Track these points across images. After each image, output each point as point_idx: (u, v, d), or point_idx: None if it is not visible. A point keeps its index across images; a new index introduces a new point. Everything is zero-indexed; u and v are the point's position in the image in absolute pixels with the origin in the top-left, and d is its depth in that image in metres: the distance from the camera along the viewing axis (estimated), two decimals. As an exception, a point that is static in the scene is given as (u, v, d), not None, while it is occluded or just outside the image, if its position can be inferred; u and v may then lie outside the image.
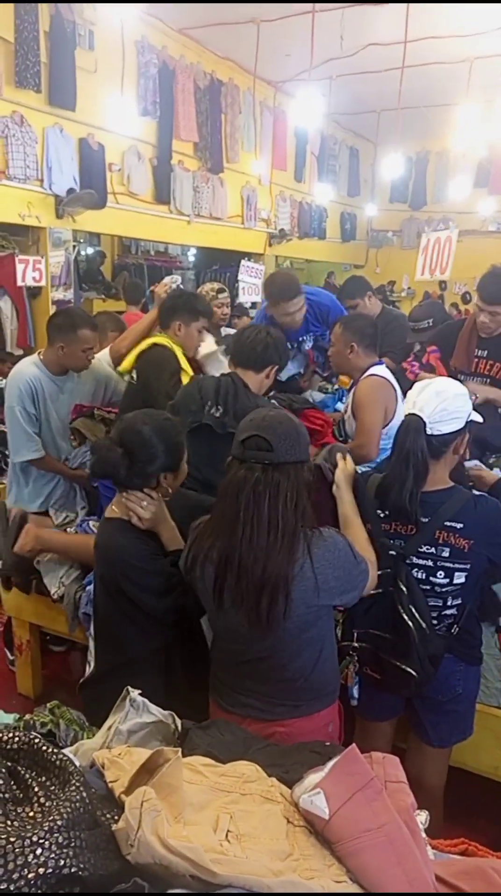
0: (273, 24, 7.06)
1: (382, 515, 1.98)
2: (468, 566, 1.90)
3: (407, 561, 1.92)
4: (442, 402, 1.87)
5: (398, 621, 1.88)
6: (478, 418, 1.99)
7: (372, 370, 2.93)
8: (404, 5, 6.59)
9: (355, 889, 0.90)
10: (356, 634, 1.99)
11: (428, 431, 1.86)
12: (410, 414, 1.89)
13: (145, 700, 1.45)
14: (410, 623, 1.86)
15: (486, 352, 3.31)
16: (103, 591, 1.99)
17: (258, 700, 1.72)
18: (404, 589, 1.89)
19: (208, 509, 1.75)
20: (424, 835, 1.08)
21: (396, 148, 8.85)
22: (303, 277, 14.01)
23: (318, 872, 0.91)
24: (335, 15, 6.50)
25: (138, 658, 1.94)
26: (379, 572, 1.91)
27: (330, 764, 1.04)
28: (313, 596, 1.63)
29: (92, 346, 3.20)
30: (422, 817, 1.14)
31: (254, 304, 8.49)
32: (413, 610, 1.87)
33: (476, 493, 2.03)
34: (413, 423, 1.87)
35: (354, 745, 1.06)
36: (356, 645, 1.99)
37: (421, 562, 1.92)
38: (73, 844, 0.79)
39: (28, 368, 3.22)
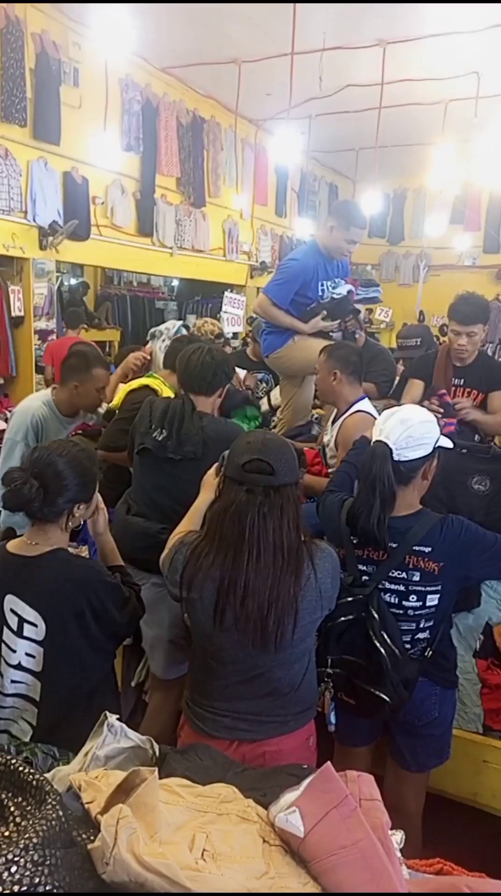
0: (254, 64, 7.28)
1: (354, 542, 2.00)
2: (439, 588, 1.92)
3: (379, 586, 1.94)
4: (408, 430, 1.90)
5: (370, 647, 1.89)
6: (448, 444, 2.03)
7: (358, 406, 2.92)
8: (380, 49, 6.85)
9: (329, 906, 0.91)
10: (330, 661, 1.99)
11: (395, 458, 1.89)
12: (376, 441, 1.93)
13: (123, 725, 1.45)
14: (382, 649, 1.87)
15: (463, 380, 3.37)
16: (57, 629, 1.81)
17: (246, 722, 1.72)
18: (375, 615, 1.90)
19: (152, 536, 1.79)
20: (399, 854, 1.09)
21: (374, 185, 9.11)
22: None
23: (292, 889, 0.92)
24: (314, 57, 6.73)
25: (99, 684, 1.91)
26: (351, 598, 1.94)
27: (305, 782, 1.05)
28: (316, 607, 1.70)
29: (105, 384, 3.21)
30: (397, 837, 1.14)
31: (236, 335, 8.61)
32: (385, 636, 1.89)
33: (443, 515, 2.06)
34: (379, 450, 1.90)
35: (329, 763, 1.07)
36: (330, 671, 2.00)
37: (393, 586, 1.94)
38: (48, 862, 0.80)
39: (37, 406, 3.16)
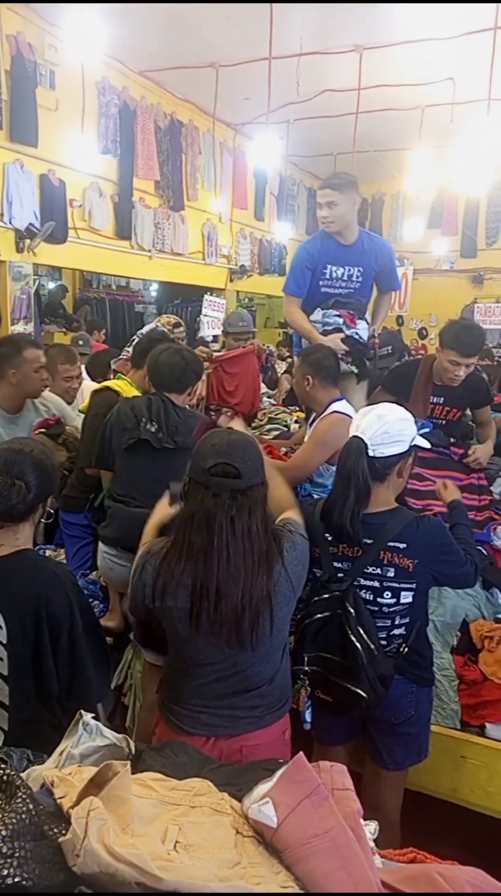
0: (232, 68, 7.32)
1: (329, 539, 2.01)
2: (414, 585, 1.94)
3: (355, 582, 1.95)
4: (384, 426, 1.92)
5: (346, 643, 1.90)
6: (424, 444, 2.05)
7: (333, 406, 2.89)
8: (356, 55, 6.91)
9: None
10: (306, 658, 2.00)
11: (371, 454, 1.91)
12: (353, 436, 1.94)
13: (98, 724, 1.44)
14: (358, 644, 1.88)
15: (442, 398, 3.31)
16: (18, 632, 1.76)
17: (223, 718, 1.73)
18: (351, 611, 1.90)
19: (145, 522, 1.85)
20: (372, 842, 1.09)
21: (351, 189, 9.15)
22: (264, 312, 14.25)
23: (265, 879, 0.92)
24: (291, 62, 6.77)
25: (71, 688, 1.85)
26: (327, 595, 1.95)
27: (278, 773, 1.05)
28: (289, 598, 1.71)
29: (42, 364, 3.16)
30: (371, 827, 1.15)
31: (216, 338, 8.61)
32: (361, 631, 1.89)
33: (422, 514, 2.08)
34: (355, 445, 1.91)
35: (301, 753, 1.07)
36: (306, 669, 2.00)
37: (368, 583, 1.95)
38: (17, 855, 0.79)
39: None
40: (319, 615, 1.96)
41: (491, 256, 12.20)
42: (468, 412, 3.43)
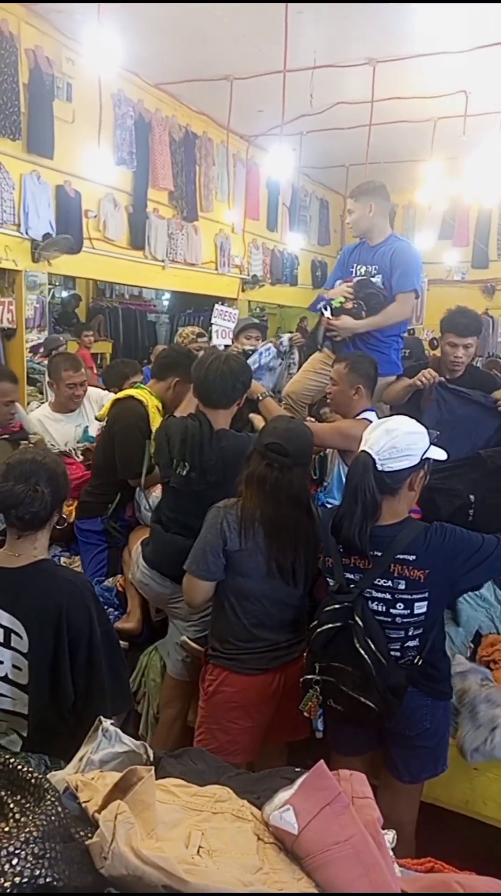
0: (246, 81, 7.39)
1: (341, 550, 2.01)
2: (426, 595, 1.92)
3: (366, 594, 1.95)
4: (392, 440, 1.92)
5: (356, 654, 1.89)
6: (440, 455, 2.05)
7: (365, 415, 2.92)
8: (369, 67, 6.97)
9: (323, 900, 0.93)
10: (318, 668, 2.00)
11: (379, 468, 1.91)
12: (361, 451, 1.95)
13: (118, 730, 1.46)
14: (366, 656, 1.87)
15: None
16: (38, 642, 1.78)
17: (278, 651, 2.24)
18: (359, 622, 1.90)
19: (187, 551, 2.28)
20: (391, 852, 1.11)
21: (364, 200, 9.19)
22: (275, 322, 14.29)
23: (287, 885, 0.93)
24: (305, 75, 6.84)
25: (89, 696, 1.86)
26: (338, 605, 1.95)
27: (299, 781, 1.06)
28: (315, 548, 2.22)
29: (12, 399, 3.27)
30: (389, 836, 1.16)
31: (227, 347, 8.65)
32: (369, 643, 1.88)
33: (431, 523, 2.07)
34: (362, 460, 1.92)
35: (322, 761, 1.09)
36: (317, 678, 2.00)
37: (380, 595, 1.95)
38: (48, 856, 0.81)
39: None
40: (330, 625, 1.96)
41: (503, 267, 12.22)
42: None
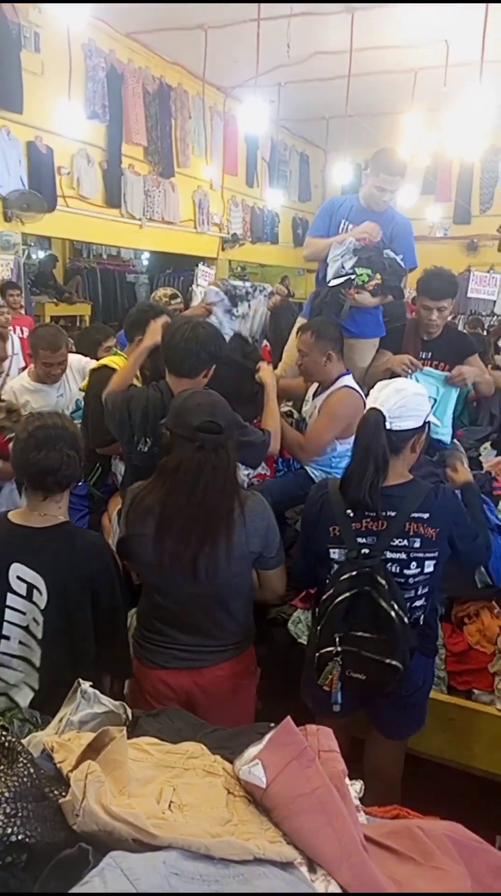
0: (220, 30, 7.17)
1: (351, 515, 1.99)
2: (436, 554, 1.95)
3: (382, 556, 1.95)
4: (402, 399, 1.94)
5: (382, 617, 1.88)
6: (437, 422, 2.07)
7: (343, 381, 2.88)
8: (347, 16, 6.77)
9: (289, 849, 0.97)
10: (337, 638, 1.96)
11: (388, 426, 1.92)
12: (372, 408, 1.95)
13: (97, 691, 1.49)
14: (394, 616, 1.87)
15: (430, 353, 3.42)
16: (58, 599, 1.85)
17: (192, 652, 1.96)
18: (384, 583, 1.89)
19: None
20: (357, 801, 1.15)
21: (345, 155, 9.05)
22: (257, 281, 14.14)
23: (254, 835, 0.98)
24: (281, 23, 6.63)
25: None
26: (355, 572, 1.93)
27: (267, 736, 1.10)
28: (244, 542, 1.92)
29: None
30: (357, 786, 1.21)
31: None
32: (394, 603, 1.89)
33: (436, 484, 2.09)
34: (373, 417, 1.93)
35: (288, 717, 1.12)
36: (339, 649, 1.96)
37: (394, 555, 1.95)
38: (20, 815, 0.84)
39: None
40: (347, 593, 1.93)
41: (485, 223, 12.11)
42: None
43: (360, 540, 1.98)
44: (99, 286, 10.68)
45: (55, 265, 10.13)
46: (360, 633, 1.94)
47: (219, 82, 9.28)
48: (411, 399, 1.95)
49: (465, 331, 4.79)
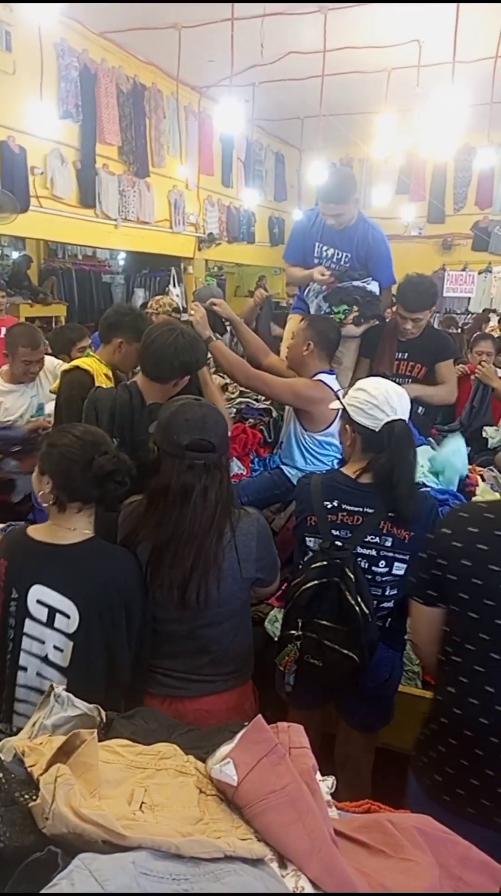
0: (194, 29, 7.15)
1: (328, 507, 2.04)
2: (407, 557, 1.98)
3: (354, 551, 2.00)
4: (407, 402, 2.07)
5: (346, 609, 1.93)
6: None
7: (321, 376, 2.92)
8: (321, 15, 6.79)
9: (260, 845, 0.98)
10: (300, 623, 2.01)
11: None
12: (400, 421, 2.01)
13: (70, 695, 1.48)
14: (357, 610, 1.91)
15: (407, 354, 3.46)
16: (92, 621, 1.73)
17: (177, 680, 1.81)
18: (352, 577, 1.94)
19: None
20: (328, 797, 1.17)
21: (320, 154, 9.07)
22: (234, 281, 14.13)
23: (225, 833, 0.98)
24: (255, 23, 6.64)
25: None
26: (326, 562, 1.98)
27: (239, 735, 1.11)
28: (236, 568, 1.77)
29: None
30: (328, 782, 1.22)
31: (186, 309, 8.56)
32: (359, 598, 1.93)
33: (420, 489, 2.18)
34: (407, 430, 2.02)
35: (259, 715, 1.14)
36: (299, 633, 2.01)
37: (365, 551, 2.00)
38: (-12, 819, 0.84)
39: None
40: (316, 581, 1.98)
41: (459, 222, 12.22)
42: None
43: (334, 532, 2.03)
44: (75, 287, 10.60)
45: (30, 266, 10.03)
46: (323, 622, 1.98)
47: (193, 82, 9.25)
48: (407, 400, 2.08)
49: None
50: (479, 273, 12.00)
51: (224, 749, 1.12)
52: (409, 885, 0.97)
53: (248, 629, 1.93)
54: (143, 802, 1.01)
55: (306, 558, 2.05)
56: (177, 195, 9.58)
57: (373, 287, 3.50)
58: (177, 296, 9.58)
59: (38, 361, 3.65)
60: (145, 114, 8.63)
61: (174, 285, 10.17)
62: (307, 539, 2.07)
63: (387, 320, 3.68)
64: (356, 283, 3.45)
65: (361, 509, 2.00)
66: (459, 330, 8.22)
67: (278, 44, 7.26)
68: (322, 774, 1.18)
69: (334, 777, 1.24)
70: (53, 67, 7.04)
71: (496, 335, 5.93)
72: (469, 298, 11.70)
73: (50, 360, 3.84)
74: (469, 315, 11.31)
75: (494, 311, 10.24)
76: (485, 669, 1.53)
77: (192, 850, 0.91)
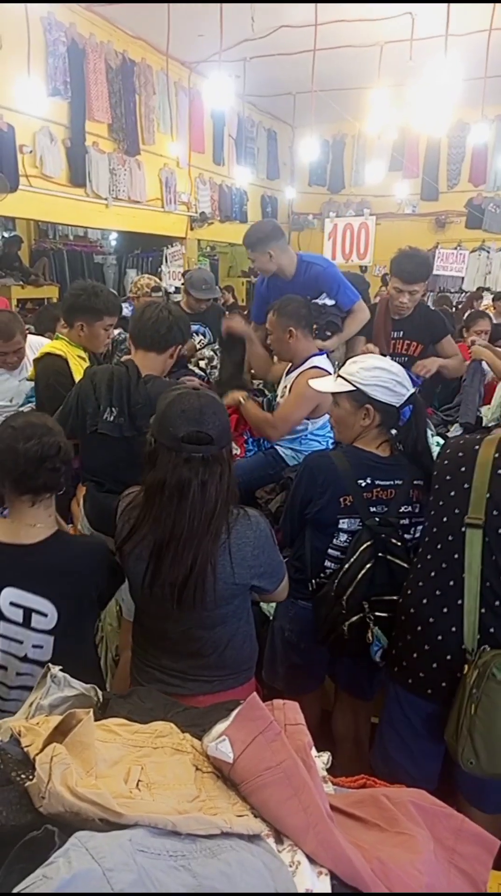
0: (184, 4, 7.01)
1: (362, 486, 2.05)
2: (424, 520, 2.04)
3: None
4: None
5: (398, 575, 1.99)
6: None
7: (313, 361, 2.87)
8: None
9: (256, 822, 0.99)
10: (367, 606, 2.01)
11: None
12: (414, 395, 2.12)
13: (66, 675, 1.49)
14: (410, 567, 1.97)
15: (401, 332, 3.45)
16: (70, 615, 1.74)
17: (173, 678, 1.76)
18: (399, 543, 2.02)
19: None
20: (324, 772, 1.18)
21: (312, 131, 8.97)
22: (227, 261, 14.02)
23: (221, 809, 0.99)
24: (245, -4, 6.53)
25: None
26: (370, 542, 2.01)
27: (234, 712, 1.12)
28: (229, 573, 1.68)
29: None
30: (324, 758, 1.23)
31: (178, 289, 8.50)
32: (406, 563, 2.01)
33: None
34: (421, 400, 2.16)
35: (254, 693, 1.14)
36: (371, 616, 2.01)
37: (401, 521, 2.08)
38: (-16, 800, 0.84)
39: None
40: (368, 564, 2.01)
41: (452, 199, 12.13)
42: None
43: (372, 509, 2.07)
44: (66, 268, 10.50)
45: (20, 247, 9.93)
46: (385, 598, 2.01)
47: (183, 57, 9.11)
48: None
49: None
50: (471, 251, 11.93)
51: (220, 726, 1.12)
52: (404, 858, 0.98)
53: (247, 636, 1.84)
54: (139, 780, 1.01)
55: (351, 541, 2.04)
56: (168, 173, 9.47)
57: (325, 300, 3.41)
58: (167, 274, 9.50)
59: (15, 352, 3.56)
60: (135, 90, 8.50)
61: (166, 264, 10.07)
62: (341, 520, 2.06)
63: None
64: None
65: (392, 482, 2.06)
66: (453, 309, 8.17)
67: (270, 17, 7.15)
68: (318, 751, 1.19)
69: (329, 753, 1.25)
70: (41, 43, 6.91)
71: (490, 313, 5.90)
72: (463, 278, 11.63)
73: (37, 341, 3.78)
74: (463, 294, 11.26)
75: (487, 289, 10.18)
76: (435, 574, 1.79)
77: (189, 826, 0.91)
